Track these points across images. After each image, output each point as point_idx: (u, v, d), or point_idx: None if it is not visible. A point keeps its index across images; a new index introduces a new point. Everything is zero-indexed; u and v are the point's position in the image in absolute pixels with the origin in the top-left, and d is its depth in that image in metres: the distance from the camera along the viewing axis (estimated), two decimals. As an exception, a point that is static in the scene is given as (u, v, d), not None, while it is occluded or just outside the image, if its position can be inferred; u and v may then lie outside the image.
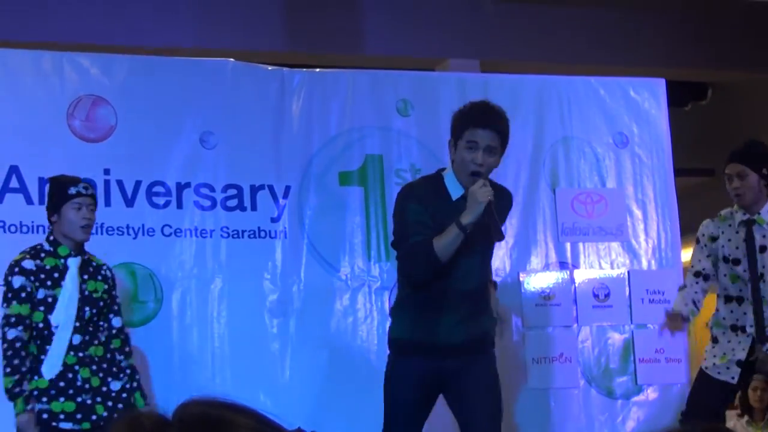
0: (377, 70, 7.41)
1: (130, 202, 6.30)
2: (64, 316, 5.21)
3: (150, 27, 8.38)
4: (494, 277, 6.70)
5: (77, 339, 5.24)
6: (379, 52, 9.07)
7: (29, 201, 6.10)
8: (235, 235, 6.47)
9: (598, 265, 7.07)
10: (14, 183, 6.11)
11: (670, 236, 7.24)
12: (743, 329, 5.74)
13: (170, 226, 6.37)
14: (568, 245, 7.05)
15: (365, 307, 6.62)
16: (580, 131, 7.19)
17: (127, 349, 5.48)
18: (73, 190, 5.27)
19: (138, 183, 6.33)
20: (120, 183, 6.29)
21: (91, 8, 8.22)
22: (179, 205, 6.41)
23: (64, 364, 5.19)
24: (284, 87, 6.71)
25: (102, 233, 6.18)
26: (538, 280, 6.94)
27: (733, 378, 5.77)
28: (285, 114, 6.68)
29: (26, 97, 6.23)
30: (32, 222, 6.05)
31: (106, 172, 6.27)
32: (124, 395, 5.37)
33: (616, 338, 7.02)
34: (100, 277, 5.40)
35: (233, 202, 6.50)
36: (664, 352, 6.91)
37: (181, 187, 6.42)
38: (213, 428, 1.39)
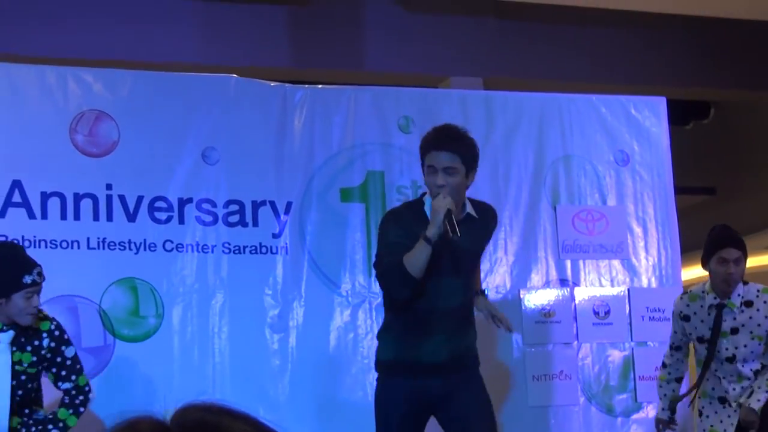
0: (379, 86, 7.43)
1: (132, 217, 6.31)
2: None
3: (153, 42, 8.42)
4: (495, 294, 6.73)
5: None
6: (381, 69, 9.10)
7: (31, 215, 6.11)
8: (237, 251, 6.48)
9: (599, 282, 7.08)
10: (17, 197, 6.11)
11: (670, 254, 7.25)
12: (728, 402, 5.87)
13: (172, 242, 6.38)
14: (568, 262, 7.06)
15: (366, 324, 6.63)
16: (581, 149, 7.21)
17: (74, 407, 5.17)
18: (28, 279, 4.94)
19: (140, 198, 6.34)
20: (122, 198, 6.30)
21: (95, 23, 8.26)
22: (181, 221, 6.42)
23: None
24: (286, 103, 6.73)
25: (104, 248, 6.20)
26: (539, 297, 6.95)
27: None
28: (287, 130, 6.69)
29: (29, 112, 6.23)
30: (34, 236, 6.06)
31: (109, 187, 6.28)
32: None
33: (616, 355, 7.03)
34: (29, 348, 5.08)
35: (235, 218, 6.51)
36: (664, 369, 6.91)
37: (183, 203, 6.43)
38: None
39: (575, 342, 6.98)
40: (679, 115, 10.44)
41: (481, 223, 5.20)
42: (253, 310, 6.44)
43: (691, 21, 9.55)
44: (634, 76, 9.66)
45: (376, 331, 6.55)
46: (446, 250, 4.95)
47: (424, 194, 5.23)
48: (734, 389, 5.83)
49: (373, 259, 5.30)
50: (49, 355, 5.13)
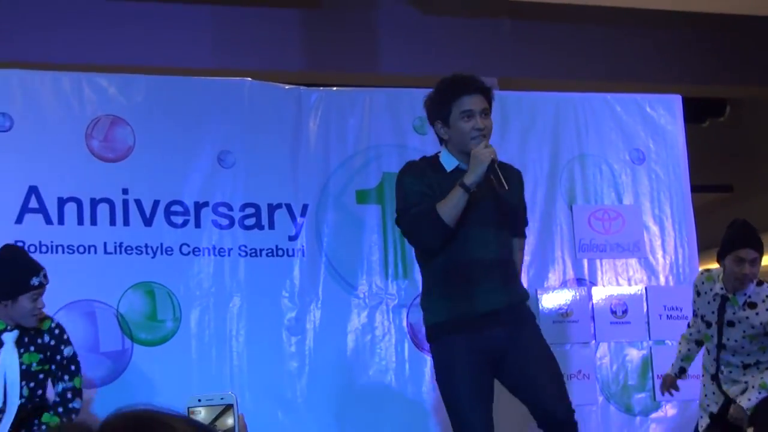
0: (394, 88, 7.43)
1: (148, 221, 6.32)
2: (6, 395, 5.05)
3: (167, 48, 8.43)
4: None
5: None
6: (395, 71, 9.09)
7: (48, 221, 6.14)
8: (253, 254, 6.49)
9: (616, 281, 7.07)
10: (33, 203, 6.14)
11: (687, 252, 7.23)
12: (717, 382, 5.99)
13: (188, 245, 6.39)
14: (585, 262, 7.05)
15: (383, 325, 6.63)
16: (596, 148, 7.20)
17: (58, 410, 5.21)
18: (35, 281, 5.06)
19: (156, 202, 6.36)
20: (138, 202, 6.32)
21: (109, 29, 8.28)
22: (197, 224, 6.43)
23: None
24: (301, 106, 6.74)
25: (120, 252, 6.22)
26: (556, 296, 6.94)
27: (701, 428, 6.04)
28: (302, 133, 6.70)
29: (45, 118, 6.26)
30: (51, 242, 6.08)
31: (125, 191, 6.31)
32: None
33: (635, 354, 7.02)
34: (33, 348, 5.17)
35: (251, 221, 6.52)
36: (683, 368, 6.90)
37: (199, 206, 6.44)
38: (141, 428, 1.40)
39: (593, 341, 6.97)
40: (694, 112, 10.40)
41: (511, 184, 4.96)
42: (271, 312, 6.45)
43: (706, 18, 9.52)
44: (649, 75, 9.63)
45: (393, 332, 6.59)
46: (476, 200, 4.79)
47: (438, 152, 5.09)
48: (722, 372, 5.93)
49: (408, 256, 5.14)
50: (48, 353, 5.21)
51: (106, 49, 8.22)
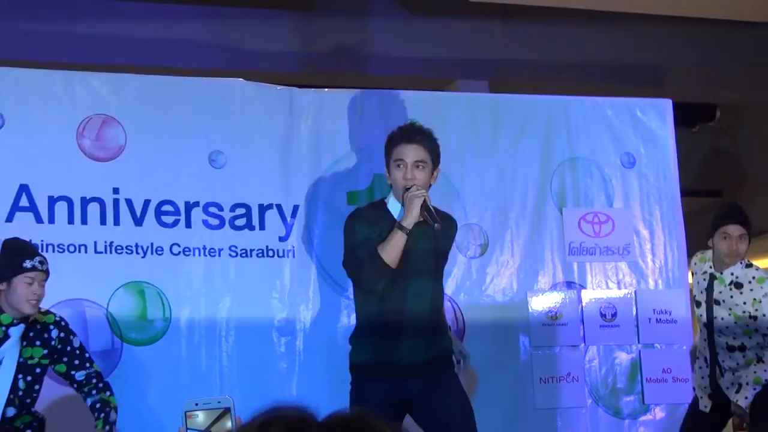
0: (386, 90, 7.43)
1: (139, 221, 6.32)
2: None
3: (160, 47, 8.43)
4: (502, 296, 6.74)
5: (11, 411, 5.11)
6: (387, 73, 9.10)
7: (39, 220, 6.13)
8: (244, 254, 6.49)
9: (605, 284, 7.07)
10: (24, 202, 6.14)
11: (676, 256, 7.23)
12: (707, 361, 6.09)
13: (179, 245, 6.39)
14: (575, 265, 7.05)
15: (373, 327, 6.62)
16: (587, 151, 7.20)
17: (102, 396, 5.36)
18: (28, 264, 5.12)
19: (147, 202, 6.35)
20: (129, 202, 6.31)
21: (102, 28, 8.28)
22: (188, 224, 6.43)
23: None
24: (293, 107, 6.73)
25: (111, 252, 6.22)
26: (546, 299, 6.94)
27: (705, 407, 6.11)
28: (293, 133, 6.70)
29: (36, 117, 6.25)
30: (42, 241, 6.07)
31: (116, 191, 6.30)
32: None
33: (624, 358, 7.02)
34: (39, 342, 5.21)
35: (242, 222, 6.52)
36: (671, 371, 6.91)
37: (189, 207, 6.44)
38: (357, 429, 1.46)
39: (582, 344, 6.97)
40: (685, 117, 10.41)
41: (443, 231, 5.18)
42: (261, 313, 6.44)
43: (697, 23, 9.55)
44: (640, 79, 9.65)
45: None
46: (411, 251, 5.02)
47: (384, 197, 5.33)
48: (710, 352, 5.99)
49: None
50: (59, 346, 5.27)
51: (98, 48, 8.22)
